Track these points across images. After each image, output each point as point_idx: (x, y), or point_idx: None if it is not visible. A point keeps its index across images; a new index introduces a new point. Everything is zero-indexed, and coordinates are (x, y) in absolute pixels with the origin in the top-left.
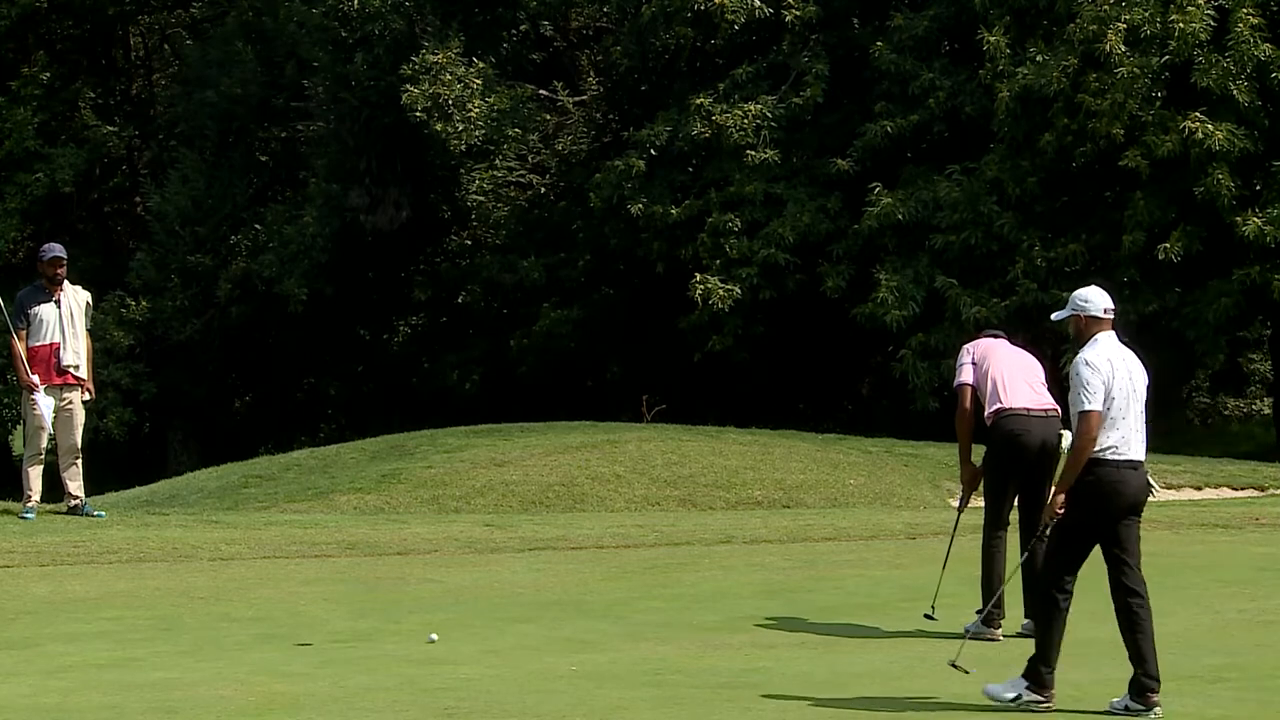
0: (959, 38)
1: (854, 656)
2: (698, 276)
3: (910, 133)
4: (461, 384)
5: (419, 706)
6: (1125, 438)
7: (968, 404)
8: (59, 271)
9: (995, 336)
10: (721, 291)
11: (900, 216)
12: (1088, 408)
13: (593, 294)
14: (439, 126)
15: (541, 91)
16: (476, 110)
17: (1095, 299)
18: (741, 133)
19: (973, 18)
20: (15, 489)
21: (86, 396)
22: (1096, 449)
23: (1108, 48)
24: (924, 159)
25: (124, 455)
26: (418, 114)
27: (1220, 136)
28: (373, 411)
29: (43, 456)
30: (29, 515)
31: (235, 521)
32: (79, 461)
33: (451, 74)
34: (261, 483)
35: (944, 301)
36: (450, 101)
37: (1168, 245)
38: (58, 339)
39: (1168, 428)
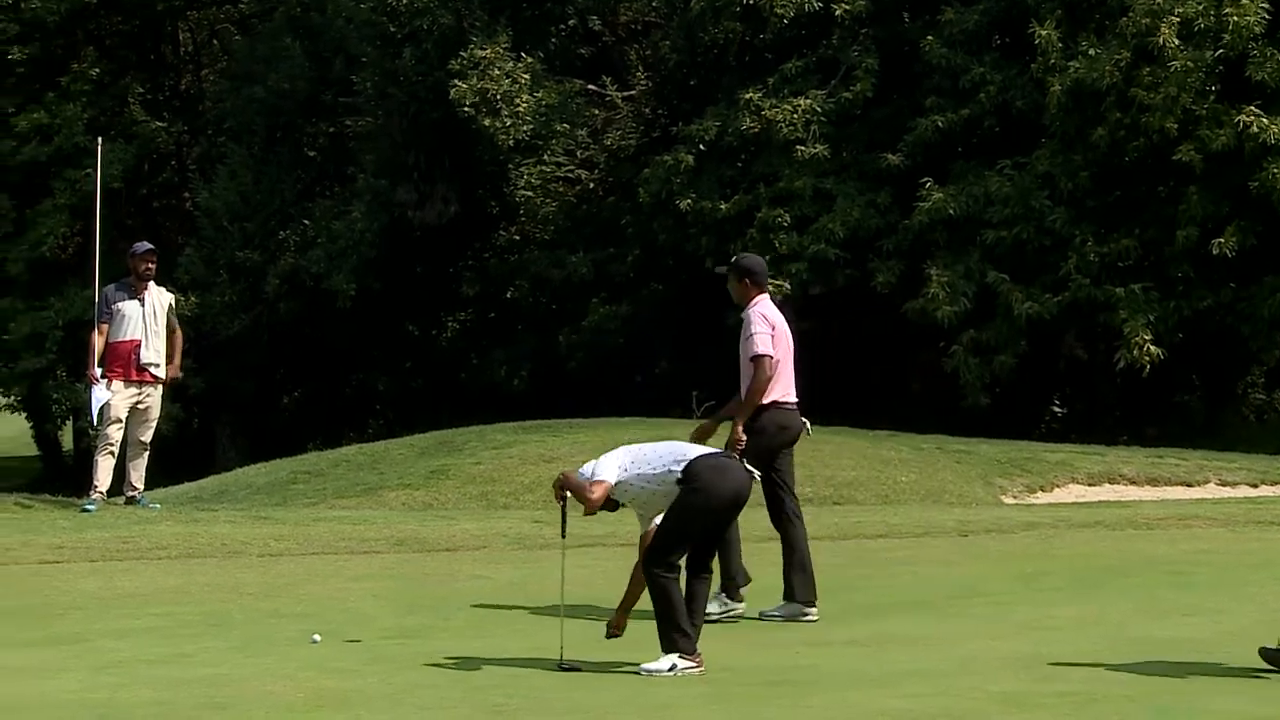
0: (1010, 31)
1: (905, 655)
2: None
3: (961, 127)
4: (510, 380)
5: (468, 704)
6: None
7: (771, 374)
8: (149, 268)
9: (771, 295)
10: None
11: (951, 211)
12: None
13: (641, 289)
14: (487, 122)
15: (590, 86)
16: (525, 105)
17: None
18: (791, 127)
19: (1024, 11)
20: (69, 485)
21: (177, 375)
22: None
23: (1161, 41)
24: (975, 154)
25: (172, 451)
26: (466, 109)
27: (1276, 130)
28: (421, 407)
29: (114, 448)
30: (90, 508)
31: (284, 517)
32: (146, 455)
33: (500, 69)
34: (310, 479)
35: (995, 297)
36: (498, 96)
37: (1222, 240)
38: (139, 336)
39: (1223, 424)
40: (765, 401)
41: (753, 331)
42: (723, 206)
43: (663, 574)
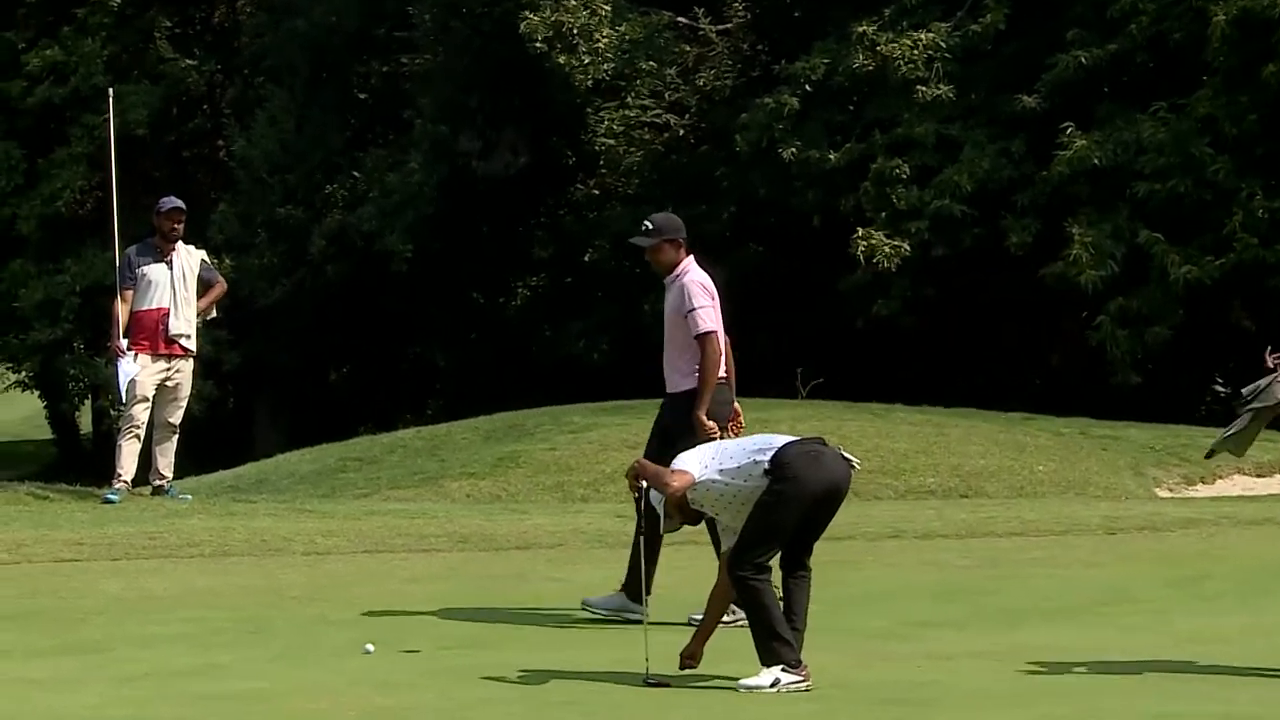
0: None
1: (1041, 669)
2: (860, 231)
3: (1108, 64)
4: (588, 353)
5: None
6: None
7: (720, 353)
8: (176, 227)
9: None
10: (888, 248)
11: (1096, 161)
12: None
13: (738, 251)
14: (562, 59)
15: (680, 19)
16: (605, 40)
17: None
18: (910, 65)
19: None
20: (88, 472)
21: (209, 312)
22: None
23: None
24: (1124, 94)
25: (204, 434)
26: (538, 45)
27: None
28: (487, 385)
29: (140, 431)
30: (113, 498)
31: (332, 510)
32: (175, 438)
33: None
34: (361, 466)
35: (1148, 259)
36: (575, 30)
37: None
38: (167, 304)
39: None
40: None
41: (695, 306)
42: (831, 156)
43: (752, 577)
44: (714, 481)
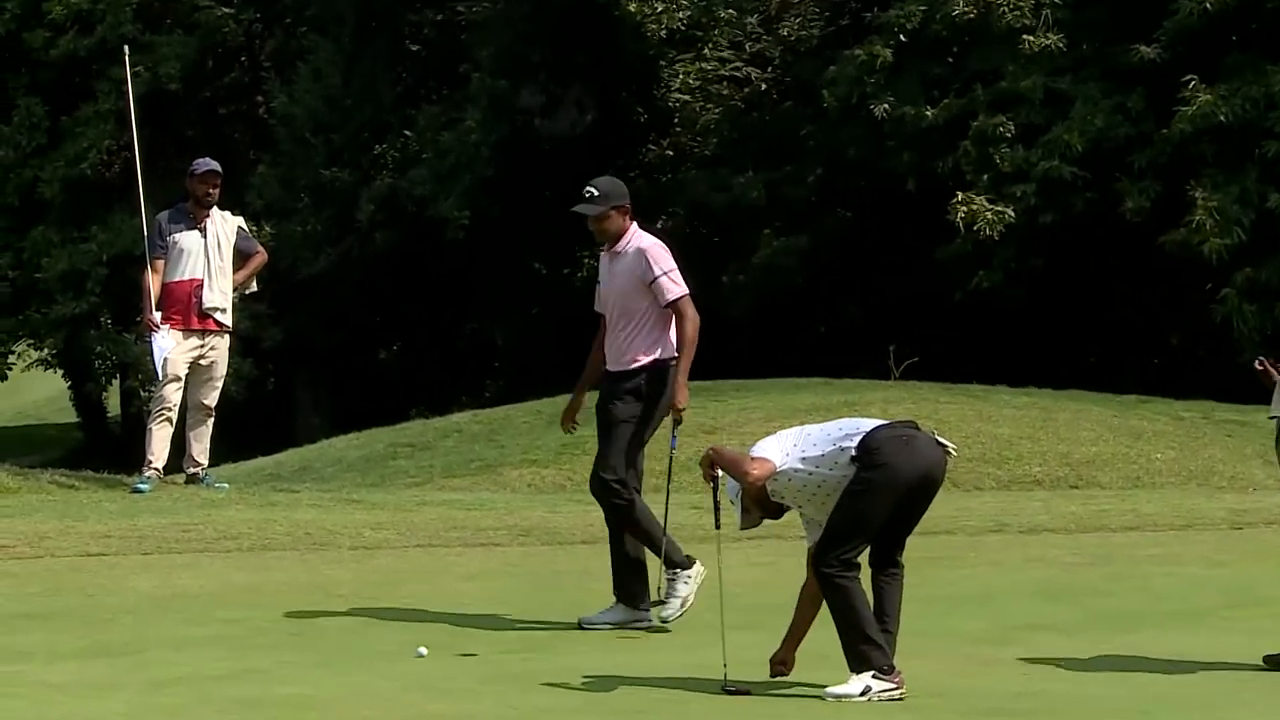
0: None
1: (1160, 678)
2: (959, 196)
3: (1235, 10)
4: None
5: None
6: None
7: (697, 316)
8: (211, 191)
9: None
10: (990, 214)
11: (1222, 118)
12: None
13: (825, 217)
14: (633, 6)
15: None
16: None
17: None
18: (1016, 12)
19: None
20: (116, 459)
21: (247, 285)
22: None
23: None
24: (1253, 44)
25: (242, 417)
26: None
27: None
28: (551, 364)
29: (172, 414)
30: (143, 487)
31: (381, 501)
32: (210, 422)
33: None
34: (413, 453)
35: (1278, 226)
36: None
37: None
38: (200, 275)
39: None
40: (663, 357)
41: (664, 270)
42: (928, 113)
43: (839, 574)
44: (796, 470)
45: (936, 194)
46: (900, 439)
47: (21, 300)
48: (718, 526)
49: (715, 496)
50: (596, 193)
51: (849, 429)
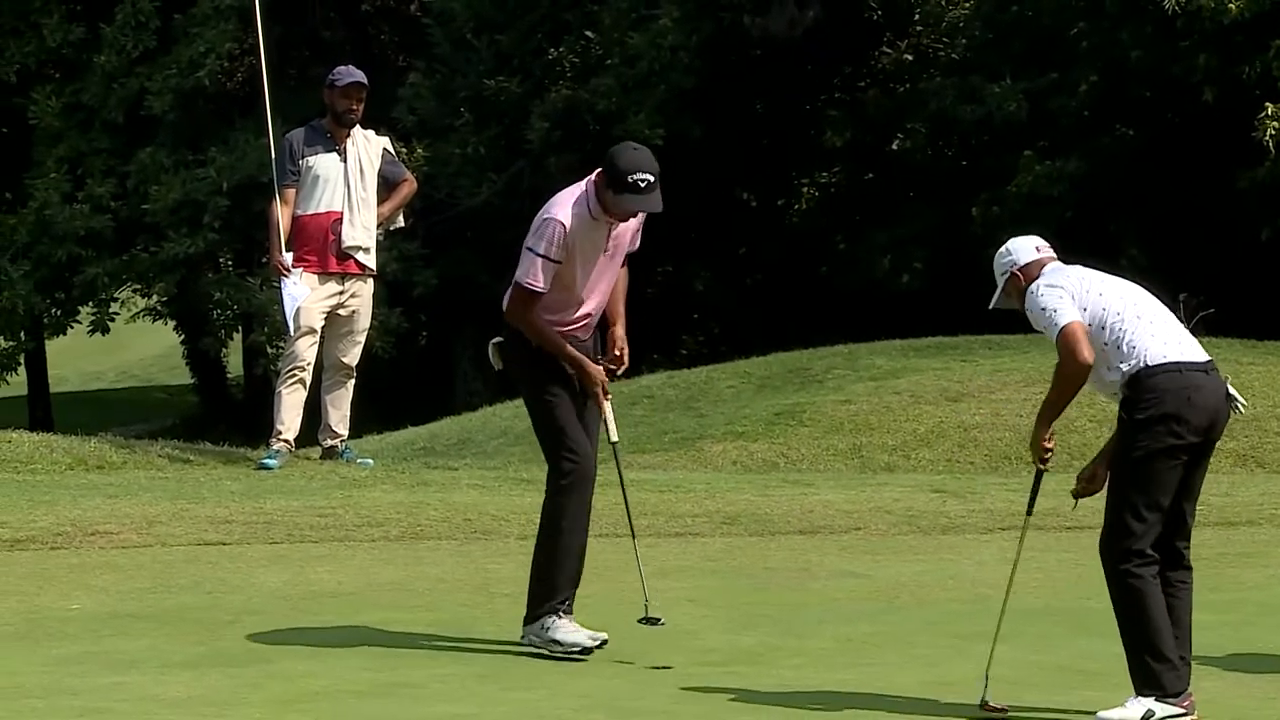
0: None
1: None
2: (1269, 109)
3: None
4: (896, 275)
5: None
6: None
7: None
8: (355, 108)
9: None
10: None
11: None
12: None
13: (1101, 136)
14: None
15: None
16: None
17: (1020, 247)
18: None
19: None
20: (238, 428)
21: (393, 219)
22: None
23: None
24: None
25: (390, 380)
26: None
27: None
28: (761, 316)
29: (305, 375)
30: (270, 463)
31: None
32: (351, 384)
33: None
34: None
35: None
36: None
37: None
38: (339, 207)
39: None
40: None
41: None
42: (1231, 6)
43: (1135, 569)
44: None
45: (1240, 107)
46: (1183, 379)
47: (126, 237)
48: (1029, 512)
49: (1036, 482)
50: (654, 179)
51: (1128, 339)
